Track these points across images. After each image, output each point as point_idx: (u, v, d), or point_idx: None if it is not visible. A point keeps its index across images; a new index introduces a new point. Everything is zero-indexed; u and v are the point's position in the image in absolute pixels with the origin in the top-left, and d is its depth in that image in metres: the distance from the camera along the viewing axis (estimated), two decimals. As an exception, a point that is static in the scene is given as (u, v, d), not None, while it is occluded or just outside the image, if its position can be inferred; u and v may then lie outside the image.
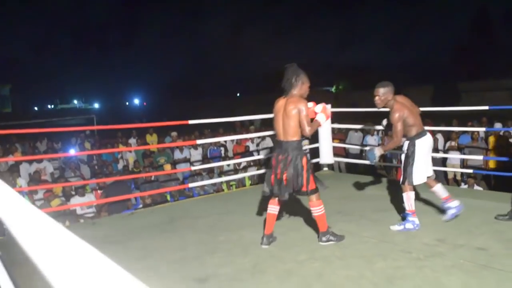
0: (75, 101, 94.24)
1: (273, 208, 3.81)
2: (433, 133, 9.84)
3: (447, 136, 9.70)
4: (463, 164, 9.04)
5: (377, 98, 3.99)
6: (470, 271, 3.04)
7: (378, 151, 4.09)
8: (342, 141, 10.18)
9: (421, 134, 3.99)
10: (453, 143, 9.31)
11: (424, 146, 3.99)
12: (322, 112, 3.68)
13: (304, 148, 3.80)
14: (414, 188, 4.06)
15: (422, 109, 6.71)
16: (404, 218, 4.08)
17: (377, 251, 3.51)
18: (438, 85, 36.91)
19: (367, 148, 4.96)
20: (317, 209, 3.72)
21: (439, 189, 4.13)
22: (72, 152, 10.74)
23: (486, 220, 4.15)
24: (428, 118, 10.82)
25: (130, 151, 10.53)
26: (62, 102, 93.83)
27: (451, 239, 3.68)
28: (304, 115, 3.50)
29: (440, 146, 9.58)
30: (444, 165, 9.37)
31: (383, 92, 3.96)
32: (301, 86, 3.62)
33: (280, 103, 3.65)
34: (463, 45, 48.28)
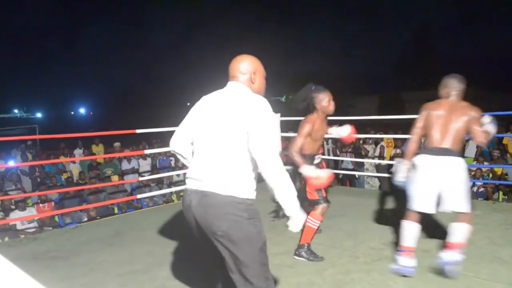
0: (16, 110, 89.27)
1: None
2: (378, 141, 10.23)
3: (393, 144, 10.10)
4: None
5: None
6: (415, 273, 3.14)
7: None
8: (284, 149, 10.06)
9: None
10: (398, 151, 9.67)
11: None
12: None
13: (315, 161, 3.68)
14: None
15: (369, 117, 6.89)
16: None
17: (326, 257, 3.56)
18: (384, 95, 38.47)
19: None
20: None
21: None
22: (12, 163, 10.18)
23: (429, 223, 4.32)
24: (371, 127, 11.24)
25: (74, 162, 10.15)
26: (0, 111, 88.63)
27: (397, 243, 3.80)
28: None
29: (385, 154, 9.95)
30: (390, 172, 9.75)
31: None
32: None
33: None
34: (405, 57, 50.68)
